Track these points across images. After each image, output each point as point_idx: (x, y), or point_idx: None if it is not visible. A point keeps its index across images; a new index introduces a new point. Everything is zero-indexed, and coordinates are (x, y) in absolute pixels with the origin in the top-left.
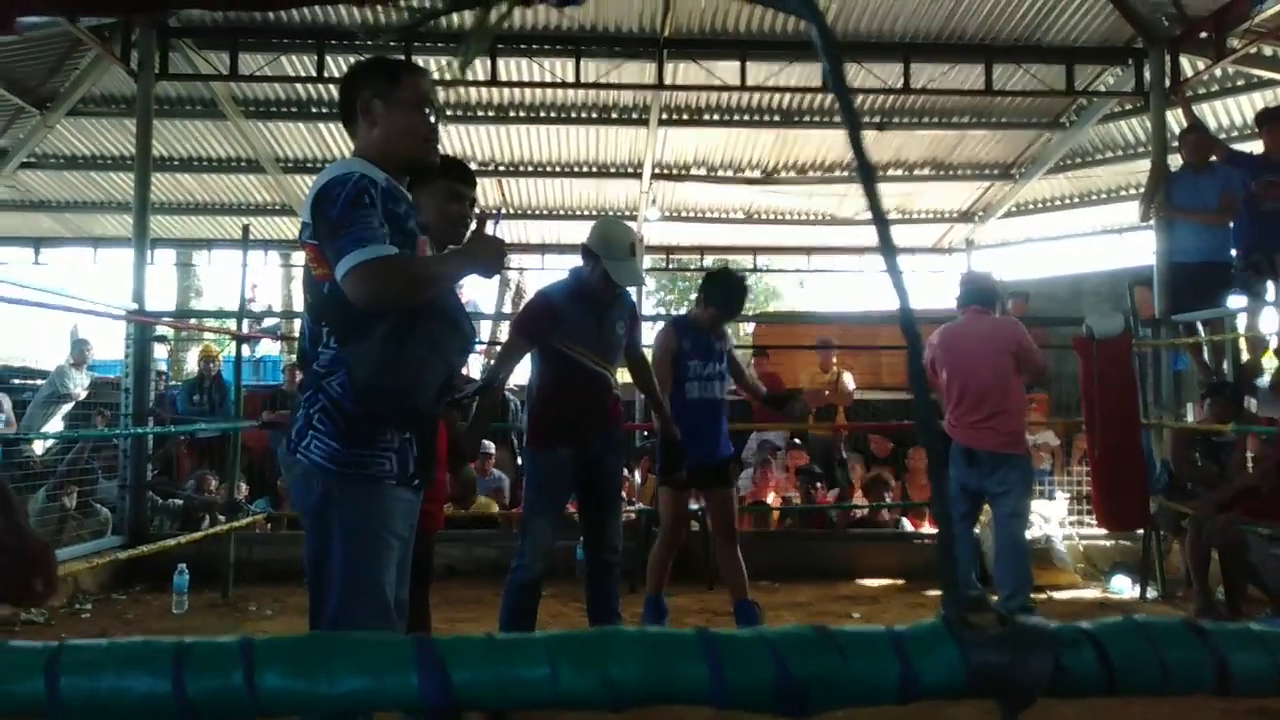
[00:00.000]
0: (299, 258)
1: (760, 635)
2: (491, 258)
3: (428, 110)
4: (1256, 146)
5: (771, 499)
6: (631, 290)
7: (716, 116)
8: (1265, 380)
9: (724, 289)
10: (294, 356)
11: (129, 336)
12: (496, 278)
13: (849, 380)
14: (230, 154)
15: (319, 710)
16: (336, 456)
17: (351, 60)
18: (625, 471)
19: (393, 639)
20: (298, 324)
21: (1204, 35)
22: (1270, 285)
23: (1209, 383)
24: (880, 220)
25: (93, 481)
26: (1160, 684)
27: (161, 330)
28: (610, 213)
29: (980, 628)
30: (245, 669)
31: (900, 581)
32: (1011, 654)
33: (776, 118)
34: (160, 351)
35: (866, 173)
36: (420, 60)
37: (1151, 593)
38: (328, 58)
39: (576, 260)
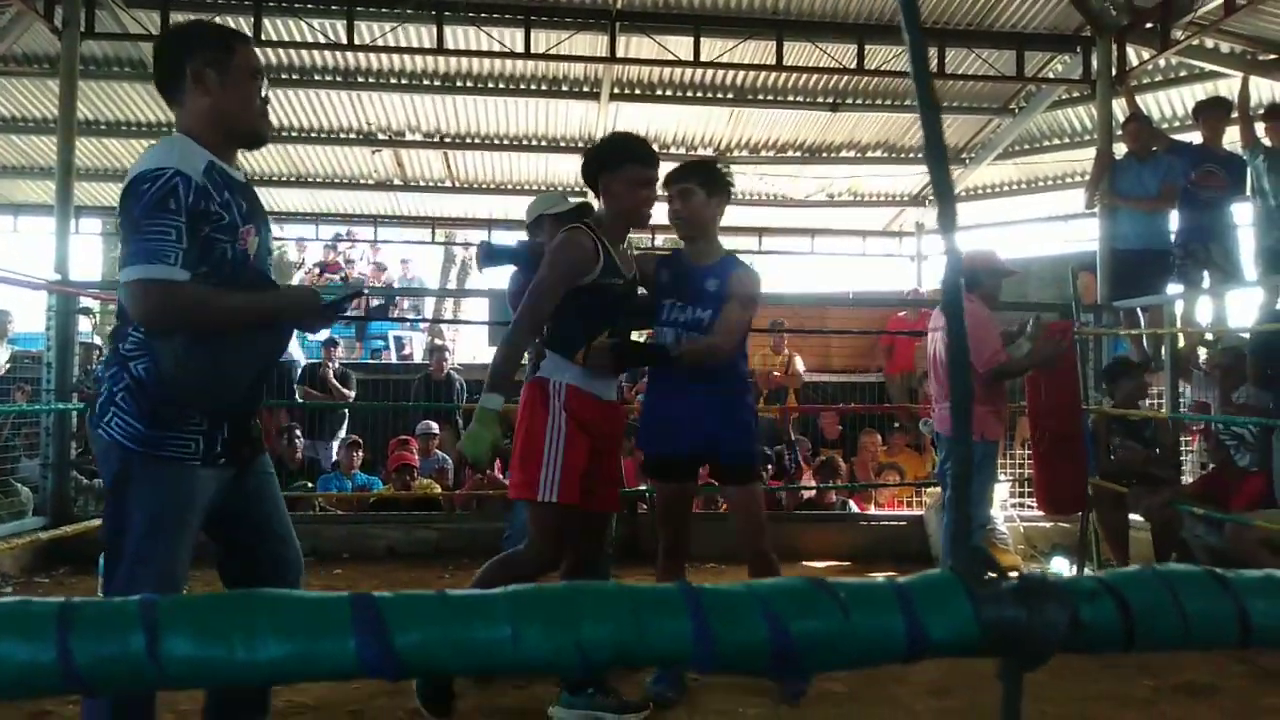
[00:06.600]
0: None
1: (751, 590)
2: (305, 317)
3: (260, 81)
4: (1196, 137)
5: None
6: None
7: (669, 92)
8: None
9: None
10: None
11: (51, 308)
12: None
13: (800, 363)
14: (160, 119)
15: (237, 680)
16: (137, 436)
17: (289, 23)
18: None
19: (325, 596)
20: None
21: (1150, 25)
22: (1205, 274)
23: (1111, 364)
24: (945, 198)
25: (13, 460)
26: (1182, 636)
27: (86, 302)
28: (560, 188)
29: (992, 581)
30: (147, 633)
31: (847, 563)
32: (1027, 607)
33: (730, 95)
34: (85, 325)
35: (938, 152)
36: (361, 25)
37: (1088, 572)
38: (265, 20)
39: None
